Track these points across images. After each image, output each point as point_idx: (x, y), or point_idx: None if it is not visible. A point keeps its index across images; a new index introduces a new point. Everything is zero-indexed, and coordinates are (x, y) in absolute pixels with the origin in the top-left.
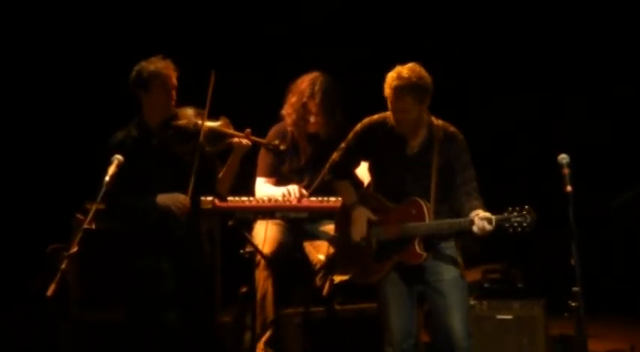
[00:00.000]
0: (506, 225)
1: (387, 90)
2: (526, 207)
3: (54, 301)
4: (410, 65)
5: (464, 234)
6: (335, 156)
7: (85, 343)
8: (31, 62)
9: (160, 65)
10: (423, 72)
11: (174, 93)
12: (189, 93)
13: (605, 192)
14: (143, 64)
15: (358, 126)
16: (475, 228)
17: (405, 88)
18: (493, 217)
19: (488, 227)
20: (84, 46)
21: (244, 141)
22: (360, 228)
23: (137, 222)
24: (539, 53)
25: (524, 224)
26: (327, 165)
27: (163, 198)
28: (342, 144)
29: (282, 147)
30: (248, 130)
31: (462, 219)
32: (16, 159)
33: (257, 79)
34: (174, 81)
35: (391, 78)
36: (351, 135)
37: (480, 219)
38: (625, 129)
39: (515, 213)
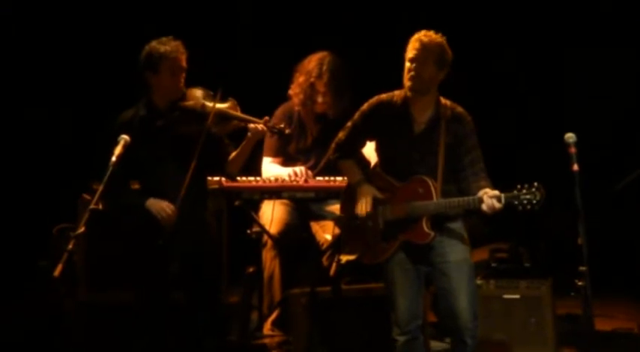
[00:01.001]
0: (516, 202)
1: (412, 43)
2: (535, 184)
3: (61, 281)
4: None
5: (472, 213)
6: (341, 134)
7: (91, 323)
8: (36, 44)
9: (170, 47)
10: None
11: (183, 75)
12: (198, 73)
13: (611, 172)
14: (153, 44)
15: (365, 105)
16: (484, 206)
17: (430, 41)
18: (502, 195)
19: (497, 205)
20: (90, 26)
21: (260, 126)
22: (365, 202)
23: (124, 214)
24: (546, 28)
25: (534, 201)
26: (333, 144)
27: (151, 203)
28: (349, 123)
29: (286, 131)
30: (267, 118)
31: (470, 197)
32: (22, 138)
33: (266, 59)
34: (184, 63)
35: (418, 33)
36: (357, 113)
37: (489, 197)
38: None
39: (525, 191)
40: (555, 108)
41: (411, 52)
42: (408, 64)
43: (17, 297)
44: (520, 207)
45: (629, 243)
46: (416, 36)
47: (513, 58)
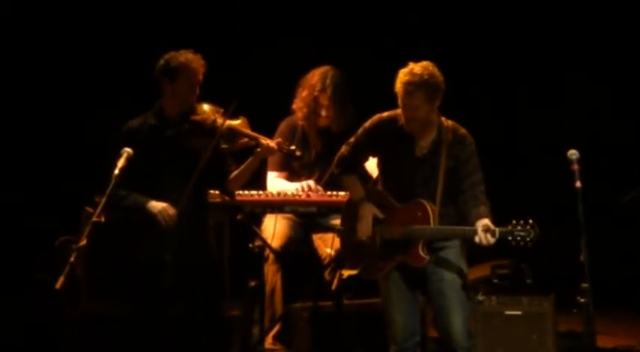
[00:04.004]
0: (509, 238)
1: (398, 86)
2: (530, 221)
3: (63, 294)
4: (423, 63)
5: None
6: (344, 150)
7: (93, 336)
8: (42, 50)
9: (189, 57)
10: (436, 71)
11: (197, 88)
12: (207, 88)
13: (615, 188)
14: (173, 53)
15: (368, 123)
16: (477, 239)
17: (415, 84)
18: (497, 229)
19: (491, 239)
20: (95, 36)
21: (273, 143)
22: (366, 226)
23: (123, 212)
24: (548, 45)
25: (528, 238)
26: (336, 159)
27: (153, 205)
28: (351, 139)
29: (297, 153)
30: (279, 140)
31: (466, 228)
32: (26, 150)
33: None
34: (200, 76)
35: (403, 74)
36: (360, 130)
37: (483, 230)
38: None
39: (520, 227)
40: (558, 124)
41: (399, 97)
42: (400, 103)
43: (19, 309)
44: (514, 243)
45: (631, 260)
46: (400, 78)
47: (516, 71)
